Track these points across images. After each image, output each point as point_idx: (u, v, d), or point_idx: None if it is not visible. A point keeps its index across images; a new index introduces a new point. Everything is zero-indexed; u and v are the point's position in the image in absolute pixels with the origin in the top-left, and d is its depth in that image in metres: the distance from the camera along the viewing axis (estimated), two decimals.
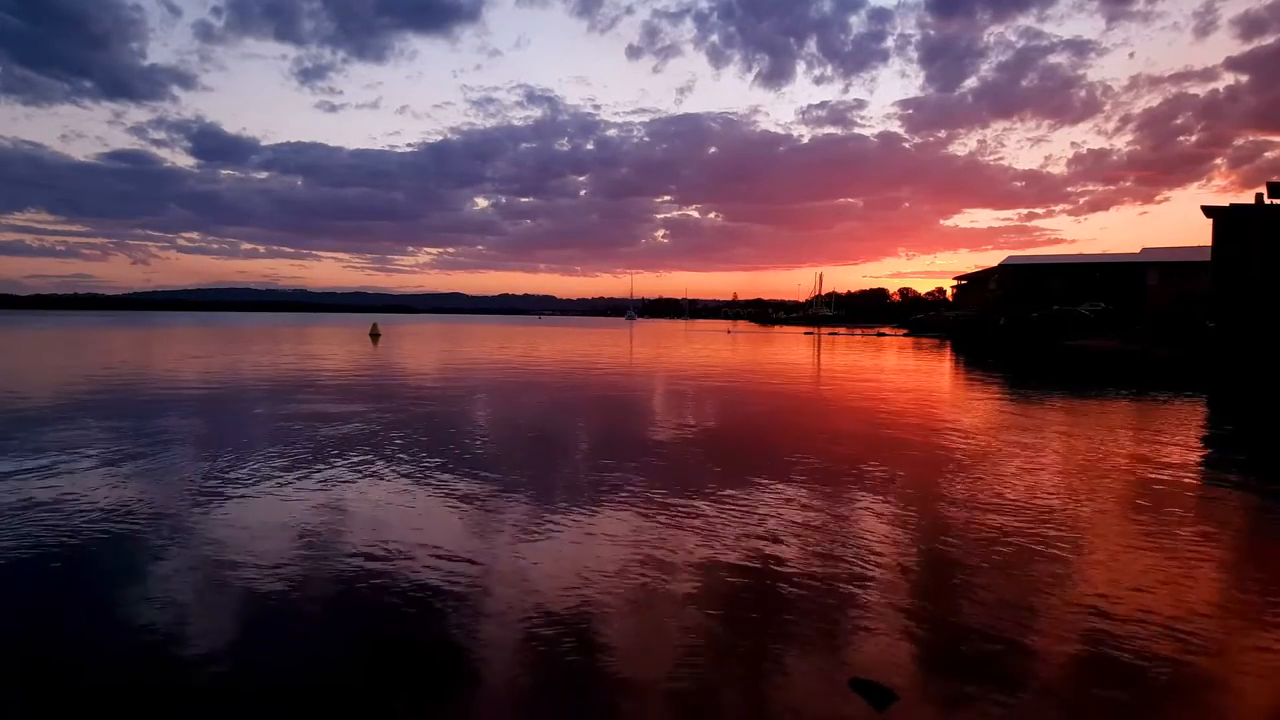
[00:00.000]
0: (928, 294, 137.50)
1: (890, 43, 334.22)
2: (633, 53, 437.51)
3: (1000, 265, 62.89)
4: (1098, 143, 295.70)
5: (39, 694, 3.50)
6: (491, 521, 6.29)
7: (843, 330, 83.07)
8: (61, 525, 5.95)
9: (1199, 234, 40.72)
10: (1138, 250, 57.89)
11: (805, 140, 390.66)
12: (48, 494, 6.88)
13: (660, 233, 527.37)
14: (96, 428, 10.62)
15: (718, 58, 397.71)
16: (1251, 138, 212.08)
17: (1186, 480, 8.18)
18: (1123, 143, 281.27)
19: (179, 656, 3.82)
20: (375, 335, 47.04)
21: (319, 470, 8.08)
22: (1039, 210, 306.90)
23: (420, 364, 25.15)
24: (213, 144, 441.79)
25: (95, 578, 4.92)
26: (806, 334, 68.46)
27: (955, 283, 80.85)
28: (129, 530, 5.87)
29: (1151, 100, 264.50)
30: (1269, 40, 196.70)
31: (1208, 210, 35.68)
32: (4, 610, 4.43)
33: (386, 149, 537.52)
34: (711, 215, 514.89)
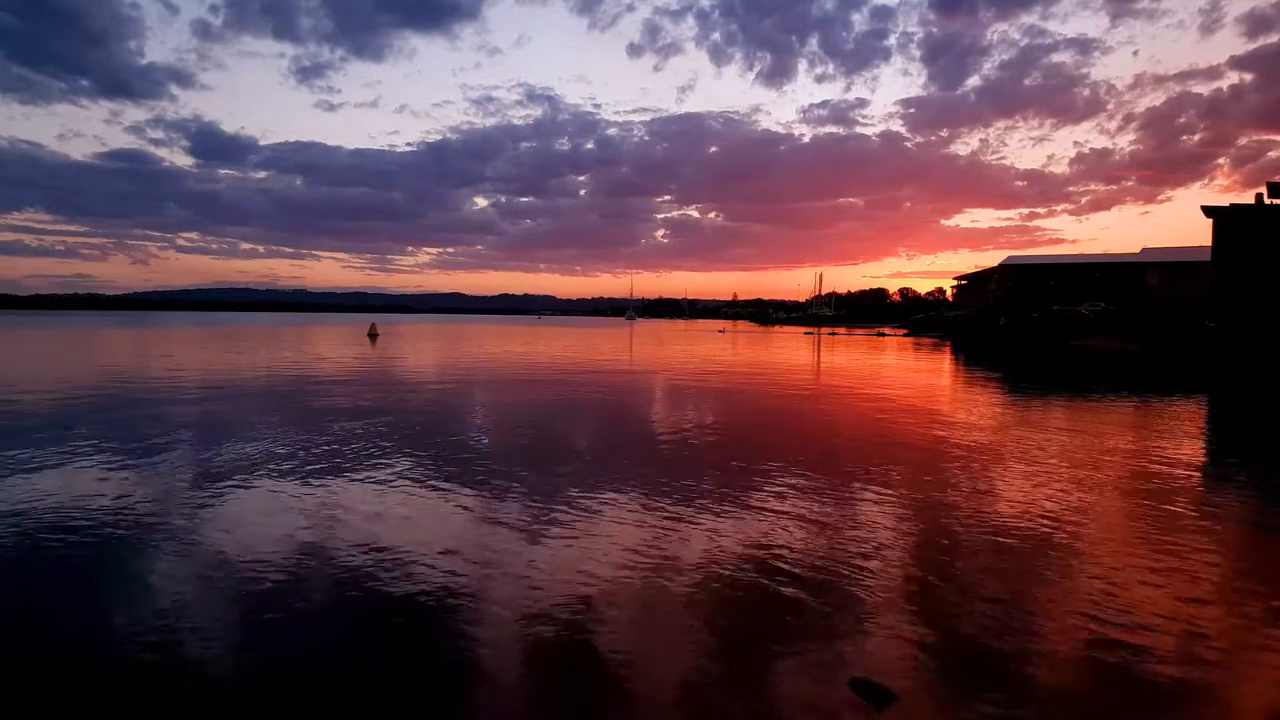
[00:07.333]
0: (928, 294, 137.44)
1: (892, 41, 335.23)
2: (633, 51, 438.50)
3: (1001, 265, 62.87)
4: (1100, 142, 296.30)
5: (42, 691, 3.49)
6: (488, 519, 6.27)
7: (842, 330, 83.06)
8: (64, 516, 5.97)
9: (1200, 234, 40.72)
10: (1138, 250, 57.91)
11: (806, 139, 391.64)
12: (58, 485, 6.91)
13: (660, 232, 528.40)
14: (92, 426, 10.62)
15: (719, 56, 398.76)
16: (1255, 137, 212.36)
17: (1187, 481, 8.17)
18: (1125, 142, 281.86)
19: (183, 651, 3.82)
20: (373, 335, 47.70)
21: (314, 468, 8.08)
22: (1040, 210, 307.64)
23: (417, 364, 25.13)
24: (211, 143, 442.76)
25: (92, 569, 4.93)
26: (806, 334, 68.48)
27: (955, 283, 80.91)
28: (128, 521, 5.88)
29: (1155, 99, 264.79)
30: (1274, 39, 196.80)
31: (1208, 210, 35.67)
32: (16, 602, 4.43)
33: (386, 148, 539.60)
34: (711, 215, 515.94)
